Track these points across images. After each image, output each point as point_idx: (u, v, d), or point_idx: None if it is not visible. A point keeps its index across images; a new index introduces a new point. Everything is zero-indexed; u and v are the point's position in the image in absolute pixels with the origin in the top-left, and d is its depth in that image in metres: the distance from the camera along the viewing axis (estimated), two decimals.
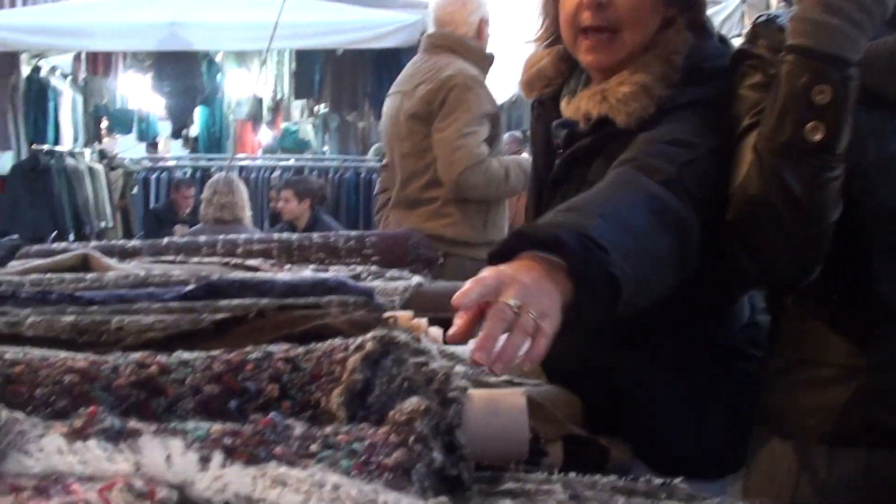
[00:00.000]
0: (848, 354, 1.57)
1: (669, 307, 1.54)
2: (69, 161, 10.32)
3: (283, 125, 12.58)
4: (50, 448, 0.53)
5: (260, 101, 11.21)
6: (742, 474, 1.78)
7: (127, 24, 8.65)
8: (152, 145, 12.80)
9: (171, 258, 2.53)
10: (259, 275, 1.96)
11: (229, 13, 8.67)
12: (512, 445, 0.85)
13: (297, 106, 12.19)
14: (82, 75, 11.12)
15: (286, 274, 2.06)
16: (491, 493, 0.88)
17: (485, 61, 3.90)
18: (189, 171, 10.05)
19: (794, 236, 1.50)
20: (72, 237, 9.82)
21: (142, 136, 12.57)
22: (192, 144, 12.01)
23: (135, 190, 10.90)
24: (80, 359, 0.85)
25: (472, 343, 2.08)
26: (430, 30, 4.02)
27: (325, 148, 12.57)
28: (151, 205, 9.87)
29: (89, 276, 2.06)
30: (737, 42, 1.87)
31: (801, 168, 1.46)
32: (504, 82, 6.26)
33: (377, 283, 2.04)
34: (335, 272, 2.13)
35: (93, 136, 11.78)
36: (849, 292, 1.57)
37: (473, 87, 3.68)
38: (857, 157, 1.49)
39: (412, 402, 0.72)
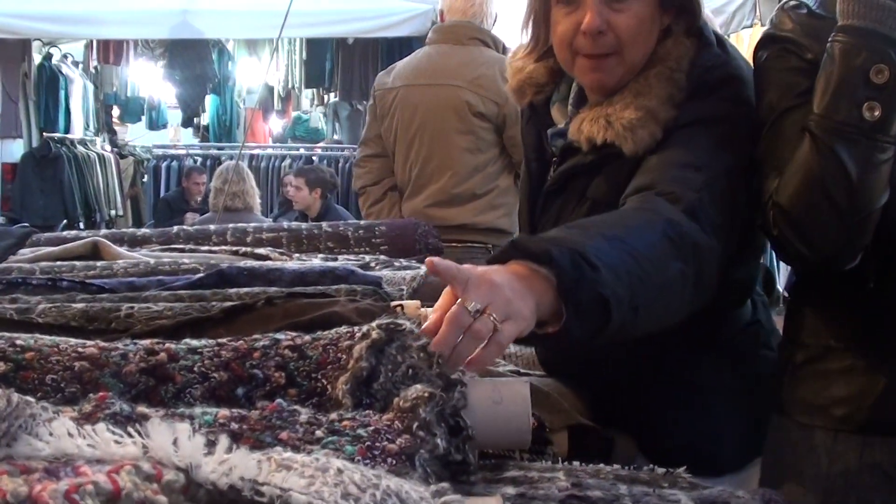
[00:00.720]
0: (882, 342, 1.57)
1: None
2: (80, 149, 10.36)
3: (293, 114, 12.59)
4: (60, 431, 0.55)
5: (271, 89, 11.21)
6: (747, 470, 1.79)
7: (138, 11, 8.65)
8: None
9: (180, 246, 2.54)
10: (268, 263, 1.97)
11: (240, 1, 8.67)
12: (514, 434, 0.86)
13: (308, 95, 12.19)
14: (93, 63, 11.15)
15: (295, 263, 2.06)
16: (494, 479, 0.89)
17: (504, 54, 3.92)
18: (200, 160, 10.07)
19: (847, 218, 1.49)
20: (82, 225, 9.86)
21: (152, 125, 12.61)
22: (203, 133, 12.04)
23: (145, 178, 10.93)
24: (90, 345, 0.87)
25: None
26: (454, 19, 3.93)
27: (336, 136, 12.56)
28: (162, 193, 9.90)
29: (99, 263, 2.08)
30: (744, 35, 1.88)
31: (856, 148, 1.46)
32: None
33: (386, 272, 2.04)
34: (344, 261, 2.13)
35: (103, 124, 11.82)
36: (885, 279, 1.56)
37: None
38: None
39: (416, 389, 0.73)
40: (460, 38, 3.81)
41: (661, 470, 1.08)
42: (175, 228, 2.79)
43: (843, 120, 1.47)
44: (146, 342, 0.88)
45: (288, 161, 9.98)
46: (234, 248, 2.44)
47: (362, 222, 2.94)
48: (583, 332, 1.25)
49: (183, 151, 10.74)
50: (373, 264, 2.25)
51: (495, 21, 3.97)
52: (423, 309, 1.58)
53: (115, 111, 12.41)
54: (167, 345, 0.87)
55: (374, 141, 3.92)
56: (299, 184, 7.61)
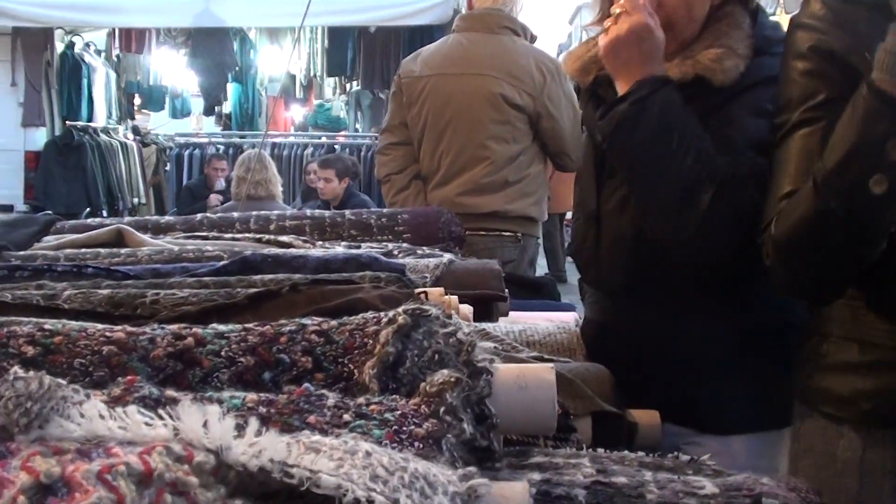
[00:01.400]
0: None
1: (706, 283, 1.83)
2: (102, 137, 10.41)
3: (315, 102, 12.61)
4: (91, 413, 0.55)
5: (293, 77, 11.23)
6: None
7: (160, 0, 8.69)
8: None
9: (204, 234, 2.54)
10: (292, 251, 1.97)
11: None
12: (540, 419, 0.86)
13: (330, 83, 12.21)
14: (116, 52, 11.20)
15: (319, 250, 2.07)
16: (519, 465, 0.90)
17: (532, 41, 3.93)
18: (222, 148, 10.10)
19: (838, 270, 1.52)
20: (105, 213, 9.91)
21: (175, 113, 12.65)
22: (225, 121, 12.07)
23: (167, 167, 10.98)
24: (118, 330, 0.87)
25: (503, 321, 2.10)
26: (484, 6, 3.91)
27: (358, 126, 12.58)
28: (184, 181, 9.94)
29: (123, 251, 2.08)
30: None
31: (855, 215, 1.44)
32: None
33: (409, 260, 2.04)
34: (367, 249, 2.14)
35: (126, 112, 11.87)
36: None
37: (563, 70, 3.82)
38: None
39: (443, 374, 0.73)
40: (491, 27, 3.79)
41: (685, 457, 1.08)
42: (199, 216, 2.80)
43: (847, 187, 1.42)
44: (173, 327, 0.88)
45: (310, 149, 10.01)
46: (258, 236, 2.44)
47: (385, 210, 2.94)
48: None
49: (205, 140, 10.78)
50: (395, 252, 2.26)
51: (521, 8, 3.96)
52: (446, 297, 1.58)
53: (137, 100, 12.45)
54: (194, 329, 0.87)
55: (398, 129, 3.89)
56: (328, 175, 7.58)
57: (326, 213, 2.73)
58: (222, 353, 0.80)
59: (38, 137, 10.01)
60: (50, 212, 2.97)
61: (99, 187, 10.03)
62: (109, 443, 0.50)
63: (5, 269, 1.80)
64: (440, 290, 1.61)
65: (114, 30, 10.71)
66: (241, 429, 0.54)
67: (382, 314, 0.85)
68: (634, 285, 1.98)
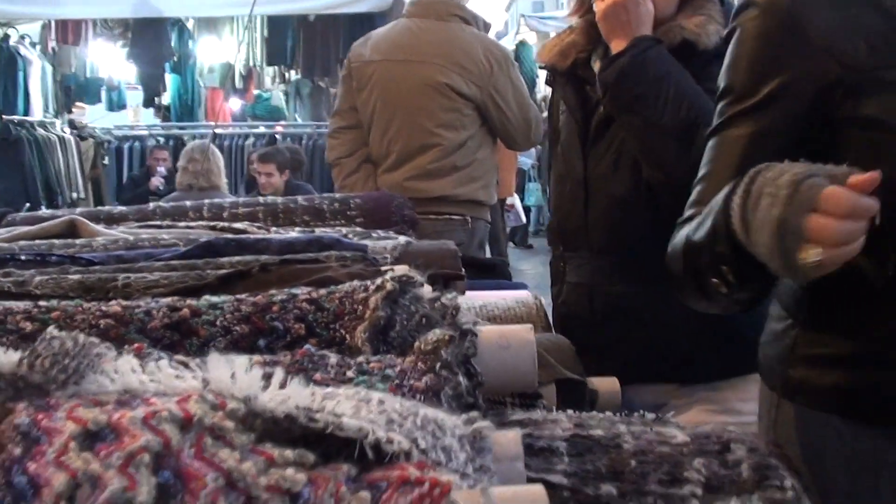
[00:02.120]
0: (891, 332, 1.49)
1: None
2: (40, 131, 10.25)
3: (255, 92, 12.54)
4: (124, 368, 0.58)
5: (231, 67, 11.16)
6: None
7: None
8: None
9: (157, 223, 2.55)
10: (254, 235, 2.00)
11: None
12: (522, 376, 0.90)
13: (269, 73, 12.15)
14: (51, 44, 11.03)
15: (276, 235, 2.09)
16: (501, 423, 0.94)
17: (485, 30, 3.97)
18: (162, 140, 10.02)
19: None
20: (43, 208, 9.76)
21: (111, 106, 12.50)
22: (164, 113, 11.96)
23: (106, 160, 10.84)
24: (113, 304, 0.90)
25: (461, 299, 2.15)
26: None
27: (297, 117, 12.54)
28: (125, 174, 9.85)
29: (78, 241, 2.09)
30: None
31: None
32: None
33: (366, 243, 2.07)
34: (321, 234, 2.16)
35: (62, 105, 11.70)
36: None
37: (511, 58, 3.94)
38: None
39: (436, 333, 0.77)
40: (440, 14, 3.82)
41: (650, 415, 1.14)
42: (151, 205, 2.80)
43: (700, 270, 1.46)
44: (167, 300, 0.91)
45: (251, 140, 9.96)
46: (212, 224, 2.46)
47: (337, 196, 2.96)
48: None
49: (145, 132, 10.67)
50: (350, 236, 2.28)
51: None
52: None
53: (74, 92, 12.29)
54: (188, 301, 0.90)
55: (347, 113, 3.91)
56: (270, 169, 7.53)
57: (279, 199, 2.74)
58: (217, 323, 0.84)
59: None
60: None
61: (37, 182, 9.89)
62: (145, 395, 0.54)
63: None
64: (405, 266, 1.65)
65: (49, 21, 10.55)
66: (267, 378, 0.58)
67: (369, 282, 0.89)
68: (624, 243, 2.15)
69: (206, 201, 2.70)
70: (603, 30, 2.13)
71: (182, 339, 0.83)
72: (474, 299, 2.21)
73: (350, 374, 0.69)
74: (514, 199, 10.62)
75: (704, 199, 1.50)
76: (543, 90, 16.88)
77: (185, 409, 0.51)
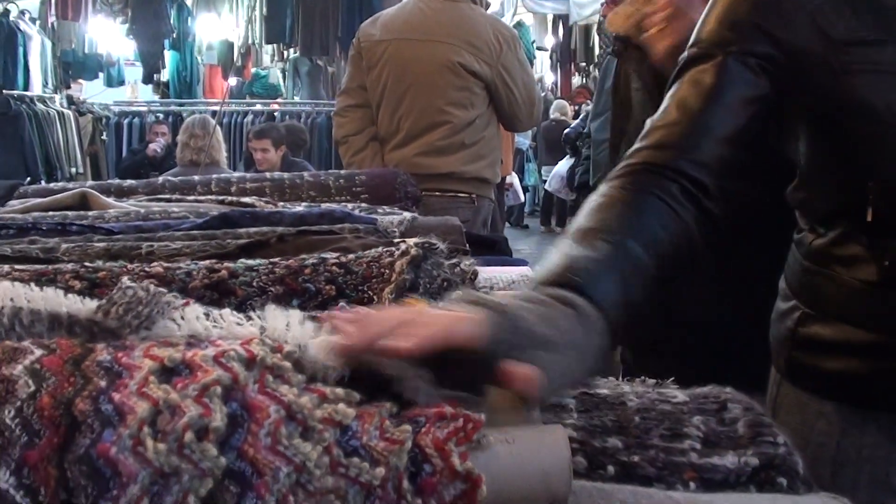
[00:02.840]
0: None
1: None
2: (39, 107, 10.28)
3: (252, 70, 12.56)
4: (190, 316, 0.65)
5: (231, 45, 11.18)
6: None
7: None
8: None
9: (167, 196, 2.60)
10: (268, 208, 2.06)
11: None
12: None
13: (268, 51, 12.17)
14: (51, 20, 11.04)
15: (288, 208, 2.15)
16: None
17: (487, 8, 4.06)
18: (161, 116, 10.05)
19: None
20: (43, 183, 9.80)
21: (110, 82, 12.52)
22: (163, 90, 11.98)
23: (104, 136, 10.87)
24: (155, 265, 0.97)
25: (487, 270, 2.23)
26: None
27: (296, 95, 12.56)
28: (124, 150, 9.88)
29: (91, 213, 2.15)
30: None
31: None
32: None
33: (375, 217, 2.13)
34: (333, 207, 2.22)
35: (61, 81, 11.72)
36: None
37: (518, 39, 4.00)
38: None
39: (458, 294, 0.84)
40: None
41: (651, 381, 1.20)
42: (160, 179, 2.86)
43: None
44: (205, 262, 0.98)
45: (250, 117, 9.99)
46: (220, 198, 2.52)
47: (343, 172, 3.02)
48: None
49: (144, 108, 10.70)
50: (356, 212, 2.35)
51: None
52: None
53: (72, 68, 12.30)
54: (225, 264, 0.97)
55: (356, 91, 3.99)
56: (265, 145, 7.55)
57: (286, 175, 2.80)
58: (254, 284, 0.90)
59: None
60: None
61: (37, 157, 9.92)
62: (210, 339, 0.60)
63: None
64: (416, 239, 1.72)
65: None
66: (317, 329, 0.64)
67: (394, 248, 0.95)
68: None
69: (214, 176, 2.77)
70: None
71: (221, 298, 0.90)
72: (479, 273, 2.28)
73: None
74: (513, 178, 10.68)
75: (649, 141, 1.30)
76: (541, 71, 16.92)
77: (249, 350, 0.57)
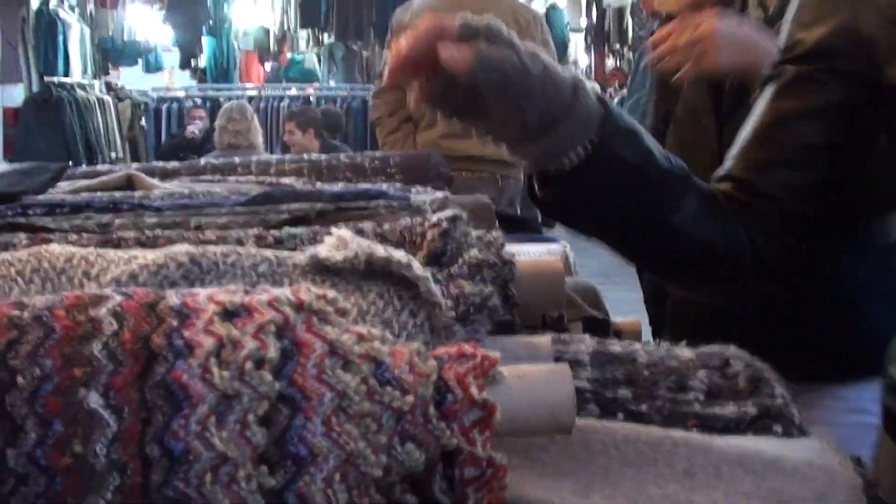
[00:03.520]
0: None
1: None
2: (80, 93, 10.48)
3: (288, 55, 12.71)
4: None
5: (267, 31, 11.33)
6: None
7: None
8: None
9: (209, 178, 2.70)
10: (308, 186, 2.16)
11: None
12: (552, 298, 1.07)
13: (303, 36, 12.30)
14: (90, 7, 11.23)
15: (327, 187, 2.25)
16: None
17: None
18: (199, 102, 10.21)
19: None
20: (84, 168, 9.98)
21: (148, 68, 12.71)
22: (200, 76, 12.16)
23: (143, 121, 11.06)
24: (209, 232, 1.07)
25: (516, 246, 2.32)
26: None
27: (331, 80, 12.69)
28: (163, 135, 10.07)
29: (137, 193, 2.26)
30: None
31: None
32: None
33: (408, 195, 2.22)
34: (369, 186, 2.31)
35: (100, 68, 11.92)
36: None
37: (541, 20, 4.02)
38: None
39: (478, 256, 0.94)
40: None
41: (665, 343, 1.29)
42: (202, 161, 2.96)
43: None
44: (254, 230, 1.08)
45: (286, 101, 10.14)
46: (260, 178, 2.61)
47: (377, 154, 3.10)
48: None
49: (182, 94, 10.87)
50: (391, 191, 2.44)
51: None
52: None
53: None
54: (271, 231, 1.07)
55: None
56: (291, 128, 7.71)
57: (323, 156, 2.90)
58: (297, 250, 1.00)
59: (17, 94, 10.08)
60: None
61: (78, 142, 10.14)
62: (266, 287, 0.70)
63: (46, 205, 1.97)
64: (444, 212, 1.81)
65: None
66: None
67: (425, 219, 1.05)
68: None
69: (254, 157, 2.87)
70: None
71: None
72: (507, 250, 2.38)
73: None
74: None
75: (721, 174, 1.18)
76: (574, 54, 16.94)
77: (298, 297, 0.67)
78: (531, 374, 0.71)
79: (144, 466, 0.61)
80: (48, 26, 10.37)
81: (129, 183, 2.45)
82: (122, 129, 11.24)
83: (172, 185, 2.48)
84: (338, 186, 2.43)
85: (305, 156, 2.96)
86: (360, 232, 1.01)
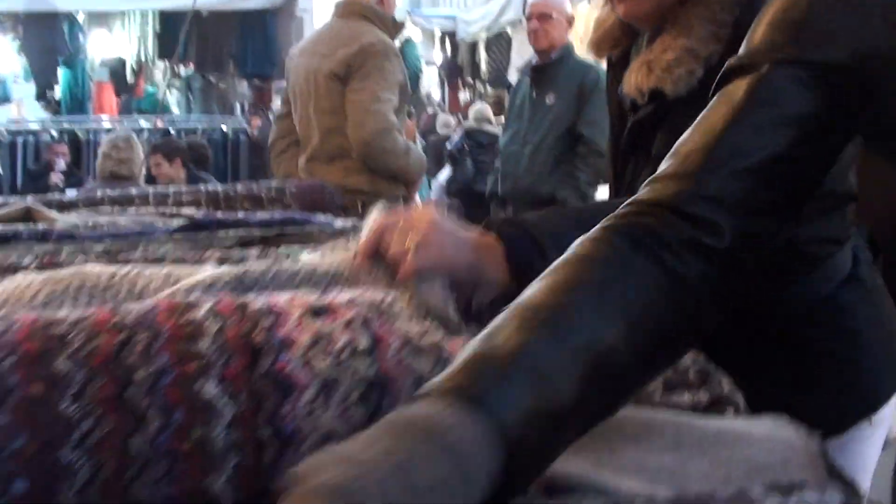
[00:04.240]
0: None
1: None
2: None
3: (144, 87, 12.54)
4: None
5: (123, 62, 11.18)
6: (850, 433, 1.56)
7: None
8: None
9: (108, 209, 2.72)
10: (233, 214, 2.22)
11: None
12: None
13: (160, 67, 12.17)
14: None
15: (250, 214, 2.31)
16: None
17: (394, 28, 4.18)
18: (56, 135, 9.98)
19: None
20: None
21: None
22: (55, 107, 11.88)
23: None
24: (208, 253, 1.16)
25: None
26: None
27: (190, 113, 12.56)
28: (18, 169, 9.78)
29: (40, 225, 2.27)
30: None
31: None
32: None
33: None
34: (293, 213, 2.38)
35: None
36: None
37: (389, 55, 3.92)
38: None
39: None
40: (349, 14, 4.08)
41: None
42: (98, 192, 2.97)
43: None
44: (215, 252, 1.18)
45: (145, 135, 10.00)
46: (161, 210, 2.65)
47: (273, 184, 3.16)
48: None
49: (38, 127, 10.60)
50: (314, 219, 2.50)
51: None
52: None
53: None
54: (230, 252, 1.17)
55: (285, 102, 4.27)
56: (157, 160, 7.60)
57: (220, 186, 2.95)
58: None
59: None
60: None
61: None
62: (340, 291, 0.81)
63: None
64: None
65: None
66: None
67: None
68: None
69: (150, 189, 2.89)
70: None
71: None
72: None
73: None
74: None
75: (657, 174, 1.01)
76: (427, 87, 17.18)
77: (370, 297, 0.78)
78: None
79: (257, 448, 0.71)
80: None
81: (28, 215, 2.46)
82: None
83: (71, 217, 2.50)
84: (262, 215, 2.50)
85: (202, 187, 3.00)
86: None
